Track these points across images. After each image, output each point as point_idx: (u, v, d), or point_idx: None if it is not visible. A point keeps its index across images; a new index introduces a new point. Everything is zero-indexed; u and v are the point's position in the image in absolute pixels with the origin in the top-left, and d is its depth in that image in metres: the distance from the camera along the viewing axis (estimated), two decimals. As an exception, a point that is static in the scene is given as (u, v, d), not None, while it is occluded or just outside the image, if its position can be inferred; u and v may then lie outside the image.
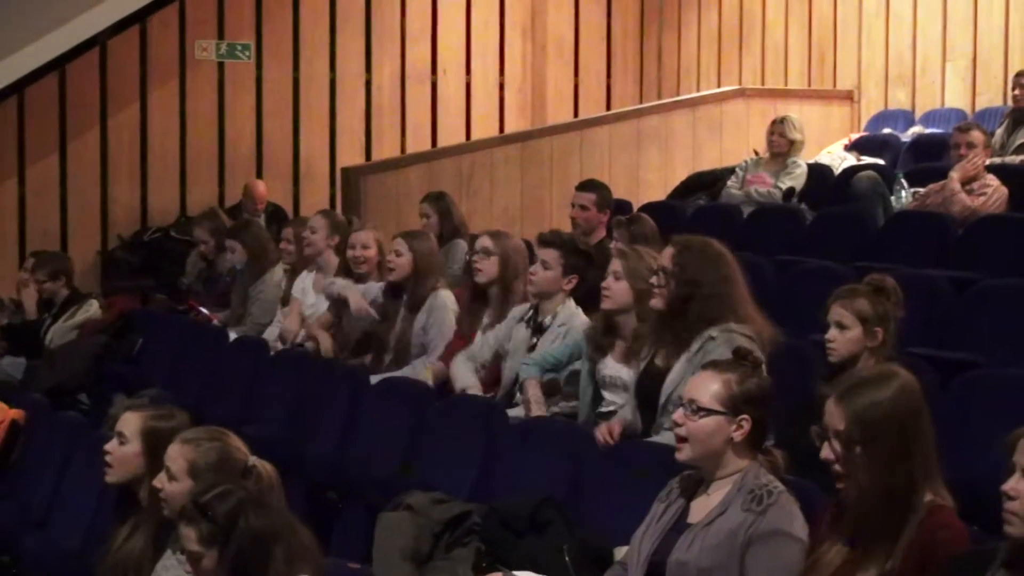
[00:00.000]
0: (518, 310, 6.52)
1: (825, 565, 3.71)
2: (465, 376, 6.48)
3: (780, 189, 9.81)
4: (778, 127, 10.10)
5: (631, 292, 5.72)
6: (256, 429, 6.36)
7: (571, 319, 6.25)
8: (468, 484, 5.63)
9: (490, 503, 5.05)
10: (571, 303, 6.33)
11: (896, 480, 3.60)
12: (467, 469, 5.71)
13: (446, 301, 7.12)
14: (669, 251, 5.31)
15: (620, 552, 4.40)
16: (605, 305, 5.82)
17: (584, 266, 6.39)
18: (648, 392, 5.26)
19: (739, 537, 3.88)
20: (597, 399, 5.84)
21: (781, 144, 9.99)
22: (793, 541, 3.86)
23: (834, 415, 3.68)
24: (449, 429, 5.96)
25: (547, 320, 6.31)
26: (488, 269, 6.82)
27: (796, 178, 9.85)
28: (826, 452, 3.69)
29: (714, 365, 4.20)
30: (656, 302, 5.28)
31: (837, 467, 3.69)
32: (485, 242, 6.87)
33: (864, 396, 3.67)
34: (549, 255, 6.32)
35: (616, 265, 5.83)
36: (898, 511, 3.60)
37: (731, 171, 10.40)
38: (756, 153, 10.39)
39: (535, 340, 6.30)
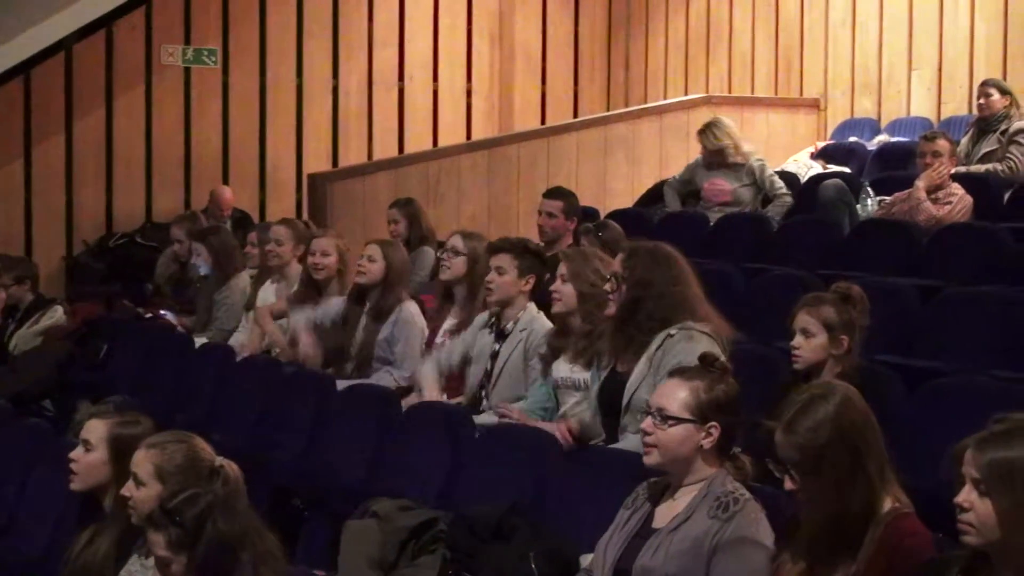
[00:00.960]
0: (481, 317, 6.53)
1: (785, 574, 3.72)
2: (428, 379, 6.49)
3: (784, 196, 9.70)
4: (704, 139, 9.89)
5: (576, 294, 5.77)
6: (222, 436, 6.33)
7: (532, 323, 6.27)
8: (434, 491, 5.62)
9: (456, 510, 5.05)
10: (532, 307, 6.34)
11: (853, 497, 3.61)
12: (433, 476, 5.70)
13: (413, 314, 7.13)
14: (619, 257, 5.34)
15: (586, 559, 4.40)
16: (555, 308, 5.91)
17: (539, 266, 6.41)
18: (612, 399, 5.27)
19: (705, 544, 3.89)
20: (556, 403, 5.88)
21: (722, 139, 9.79)
22: (759, 549, 3.87)
23: (783, 446, 3.69)
24: (415, 436, 5.95)
25: (508, 326, 6.32)
26: (456, 267, 6.88)
27: (774, 185, 9.77)
28: (788, 485, 3.71)
29: (681, 372, 4.21)
30: (611, 309, 5.30)
31: (800, 498, 3.70)
32: (456, 241, 6.93)
33: (804, 422, 3.67)
34: (502, 260, 6.34)
35: (563, 268, 5.89)
36: (856, 525, 3.61)
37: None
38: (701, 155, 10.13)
39: (498, 346, 6.31)
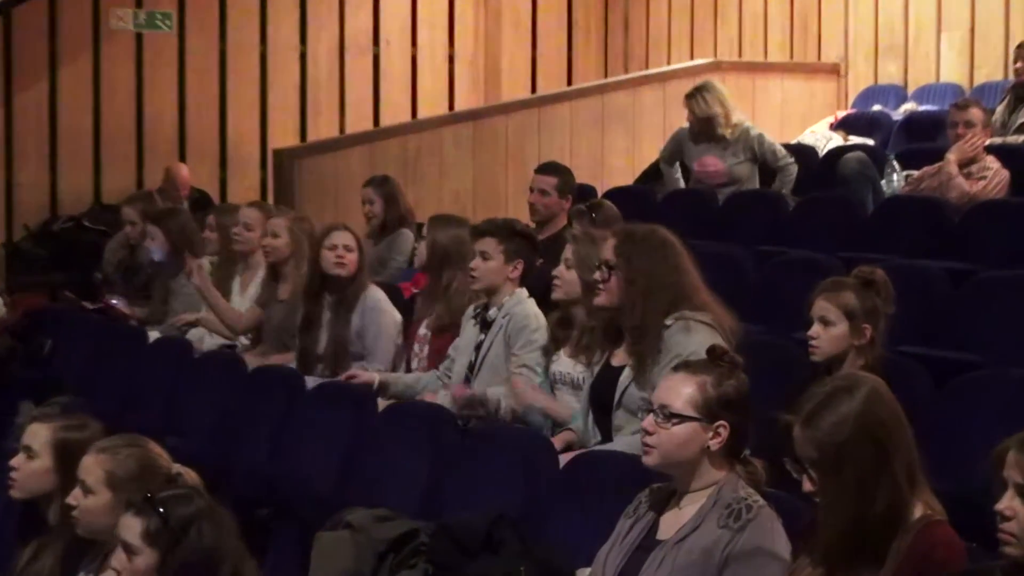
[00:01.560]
0: (471, 309, 6.55)
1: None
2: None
3: (789, 166, 9.57)
4: (693, 104, 9.61)
5: (580, 283, 5.78)
6: (179, 440, 6.33)
7: (514, 307, 6.28)
8: (415, 499, 5.62)
9: (439, 520, 5.04)
10: (521, 292, 6.35)
11: (876, 501, 3.60)
12: (414, 482, 5.71)
13: (379, 300, 7.18)
14: (611, 243, 5.34)
15: (583, 574, 4.40)
16: (555, 295, 5.96)
17: (528, 249, 6.42)
18: (604, 396, 5.29)
19: (715, 556, 3.88)
20: None
21: (711, 106, 9.52)
22: (775, 561, 3.87)
23: (802, 443, 3.68)
24: (394, 439, 5.96)
25: (492, 313, 6.34)
26: (419, 256, 6.95)
27: (782, 159, 9.70)
28: (806, 486, 3.69)
29: (687, 366, 4.20)
30: (601, 299, 5.31)
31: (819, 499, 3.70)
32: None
33: (827, 416, 3.66)
34: (487, 244, 6.36)
35: (568, 252, 5.91)
36: (881, 533, 3.61)
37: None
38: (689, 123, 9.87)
39: (483, 337, 6.34)
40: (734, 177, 9.59)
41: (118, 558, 3.93)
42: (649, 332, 5.16)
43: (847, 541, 3.63)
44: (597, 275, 5.33)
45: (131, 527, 3.87)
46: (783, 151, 9.63)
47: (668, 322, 5.12)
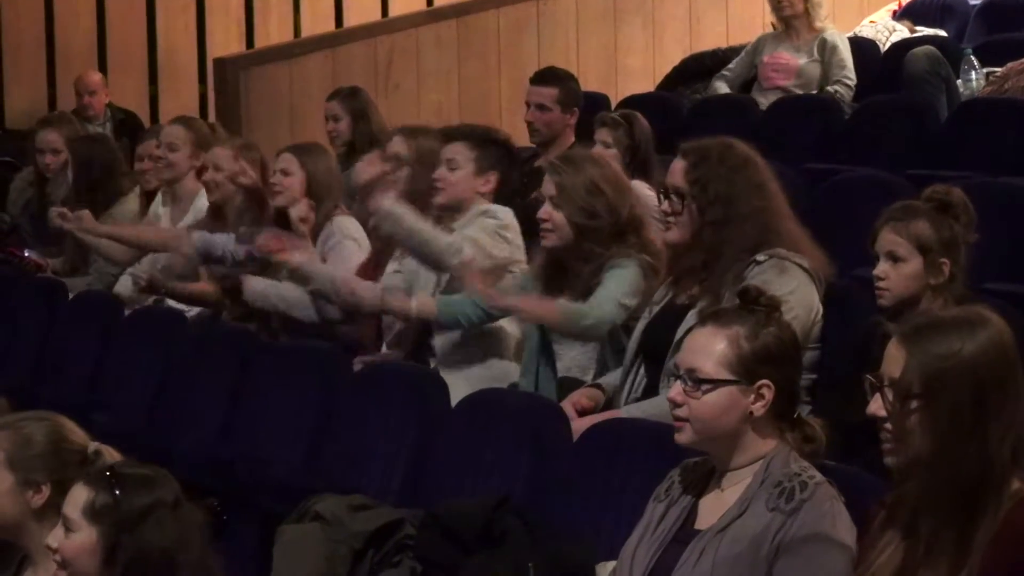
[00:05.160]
0: None
1: (877, 572, 3.71)
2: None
3: (847, 82, 9.67)
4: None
5: (570, 225, 5.78)
6: (107, 416, 6.35)
7: (476, 218, 6.25)
8: (397, 482, 5.65)
9: (428, 508, 5.06)
10: (492, 208, 6.37)
11: (965, 458, 3.57)
12: (396, 462, 5.73)
13: (347, 229, 7.17)
14: (680, 165, 5.33)
15: (605, 569, 4.42)
16: (547, 242, 5.91)
17: (504, 161, 6.40)
18: (661, 341, 5.29)
19: (764, 546, 3.89)
20: (547, 356, 5.89)
21: (794, 5, 9.86)
22: (835, 547, 3.87)
23: (894, 359, 3.64)
24: (371, 408, 5.98)
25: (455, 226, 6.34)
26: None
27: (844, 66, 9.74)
28: (875, 405, 3.66)
29: (715, 317, 4.18)
30: (672, 235, 5.34)
31: (887, 427, 3.67)
32: (397, 145, 6.96)
33: (937, 343, 3.61)
34: (456, 151, 6.39)
35: (549, 186, 5.87)
36: (970, 499, 3.60)
37: (738, 52, 10.34)
38: (774, 27, 10.25)
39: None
40: (805, 78, 9.64)
41: (55, 536, 4.01)
42: (730, 269, 5.17)
43: (936, 497, 3.60)
44: (665, 206, 5.33)
45: (76, 497, 3.96)
46: (850, 66, 9.68)
47: (760, 258, 5.14)
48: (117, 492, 3.91)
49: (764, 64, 9.88)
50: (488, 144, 6.43)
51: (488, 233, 6.23)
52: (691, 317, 5.15)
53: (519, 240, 6.31)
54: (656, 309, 5.45)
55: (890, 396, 3.62)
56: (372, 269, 6.92)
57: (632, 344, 5.48)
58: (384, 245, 6.94)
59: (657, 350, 5.31)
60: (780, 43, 9.95)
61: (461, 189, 6.38)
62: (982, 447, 3.58)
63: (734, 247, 5.20)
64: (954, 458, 3.57)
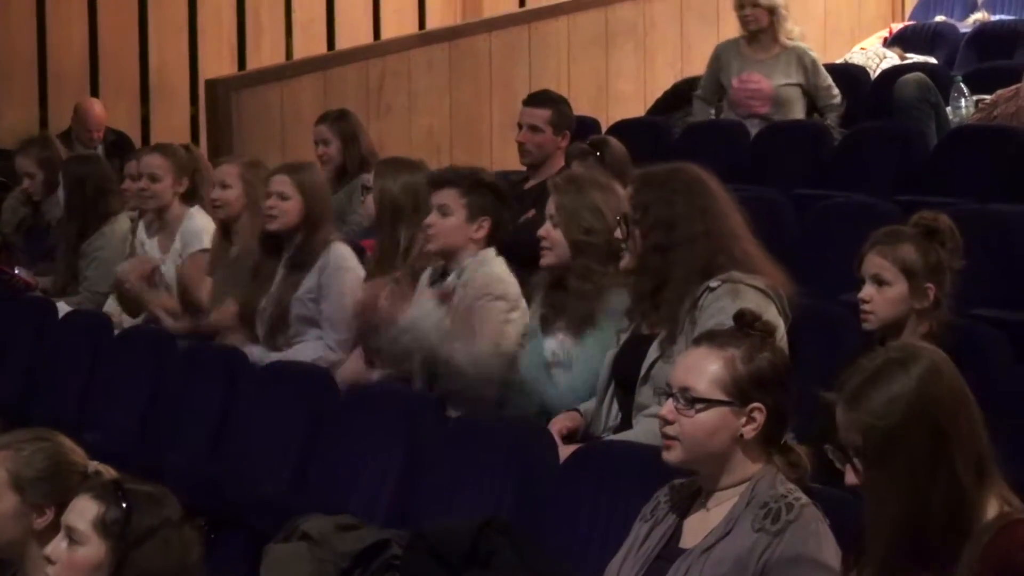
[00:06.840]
0: (426, 273, 6.51)
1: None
2: None
3: (835, 103, 9.68)
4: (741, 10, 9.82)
5: (568, 244, 5.80)
6: (97, 435, 6.35)
7: (477, 270, 6.24)
8: (385, 502, 5.66)
9: (415, 528, 5.07)
10: (488, 253, 6.31)
11: (932, 501, 3.58)
12: (383, 483, 5.74)
13: (344, 258, 7.15)
14: (628, 191, 5.36)
15: (590, 589, 4.43)
16: (545, 260, 5.91)
17: (496, 205, 6.39)
18: (629, 371, 5.31)
19: (750, 567, 3.90)
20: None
21: (758, 17, 9.73)
22: (821, 570, 3.89)
23: (847, 427, 3.66)
24: (359, 430, 5.98)
25: (450, 280, 6.31)
26: (367, 210, 6.96)
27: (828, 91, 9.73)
28: (850, 478, 3.67)
29: (711, 338, 4.20)
30: (624, 261, 5.35)
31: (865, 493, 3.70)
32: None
33: (875, 395, 3.61)
34: (446, 197, 6.31)
35: (551, 205, 5.88)
36: (941, 538, 3.61)
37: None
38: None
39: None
40: (779, 100, 9.62)
41: (55, 547, 3.98)
42: (682, 295, 5.18)
43: (898, 549, 3.61)
44: (618, 233, 5.34)
45: (84, 511, 3.93)
46: (835, 89, 9.68)
47: (713, 284, 5.14)
48: (126, 507, 3.90)
49: (735, 89, 9.79)
50: (479, 188, 6.37)
51: (498, 324, 6.20)
52: (654, 350, 5.21)
53: (517, 293, 6.29)
54: (624, 338, 5.47)
55: (858, 464, 3.63)
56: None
57: (604, 373, 5.50)
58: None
59: (627, 380, 5.33)
60: (744, 57, 9.83)
61: (455, 238, 6.31)
62: (952, 474, 3.58)
63: (681, 271, 5.21)
64: (927, 495, 3.57)
